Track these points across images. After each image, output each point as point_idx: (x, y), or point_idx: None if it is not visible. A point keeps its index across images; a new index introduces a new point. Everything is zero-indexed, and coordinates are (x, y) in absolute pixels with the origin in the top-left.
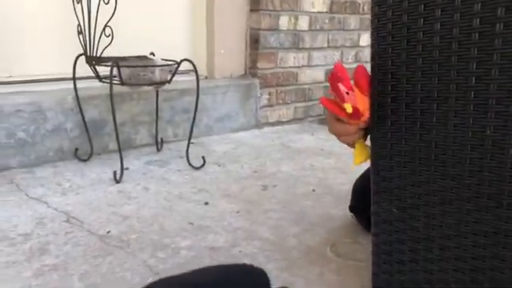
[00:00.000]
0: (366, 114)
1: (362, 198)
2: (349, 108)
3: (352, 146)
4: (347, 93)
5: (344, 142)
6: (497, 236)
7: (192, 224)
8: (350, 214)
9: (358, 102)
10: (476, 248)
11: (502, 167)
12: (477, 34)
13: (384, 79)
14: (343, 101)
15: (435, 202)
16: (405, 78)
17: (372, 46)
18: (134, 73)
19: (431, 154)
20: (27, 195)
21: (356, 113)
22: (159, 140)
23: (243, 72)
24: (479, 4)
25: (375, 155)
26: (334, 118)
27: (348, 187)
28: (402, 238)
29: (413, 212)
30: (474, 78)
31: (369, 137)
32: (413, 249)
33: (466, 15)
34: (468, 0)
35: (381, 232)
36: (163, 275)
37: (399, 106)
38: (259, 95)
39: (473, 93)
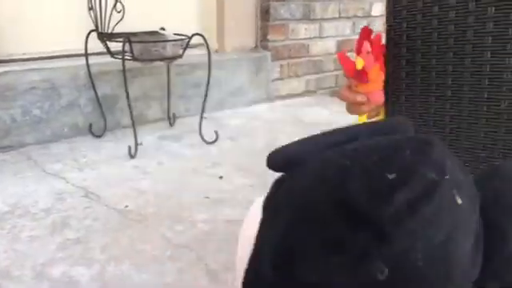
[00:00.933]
0: (378, 92)
1: None
2: (360, 63)
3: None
4: (368, 52)
5: (349, 111)
6: None
7: (208, 198)
8: None
9: (373, 70)
10: None
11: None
12: (493, 8)
13: (399, 53)
14: (359, 53)
15: None
16: (420, 52)
17: (387, 19)
18: (146, 48)
19: (446, 128)
20: (45, 171)
21: (363, 74)
22: (171, 115)
23: (254, 45)
24: None
25: None
26: (345, 86)
27: None
28: None
29: None
30: (489, 53)
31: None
32: None
33: None
34: None
35: None
36: (181, 248)
37: (414, 80)
38: (270, 68)
39: (488, 67)
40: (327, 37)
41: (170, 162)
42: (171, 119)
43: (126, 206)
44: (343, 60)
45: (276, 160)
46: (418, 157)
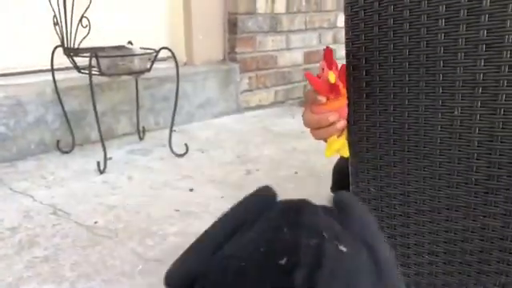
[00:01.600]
0: (343, 114)
1: (342, 178)
2: (332, 77)
3: (325, 140)
4: (336, 68)
5: (318, 137)
6: (467, 209)
7: (178, 211)
8: (331, 195)
9: (341, 88)
10: (448, 222)
11: (469, 145)
12: (443, 20)
13: (358, 65)
14: (330, 67)
15: (410, 180)
16: (377, 62)
17: (346, 32)
18: (113, 62)
19: (404, 135)
20: (11, 189)
21: (337, 88)
22: (141, 129)
23: (222, 57)
24: None
25: (352, 137)
26: (309, 109)
27: (330, 168)
28: (380, 216)
29: (389, 191)
30: (441, 62)
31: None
32: (390, 225)
33: (433, 2)
34: None
35: None
36: (152, 262)
37: (373, 89)
38: (239, 80)
39: (441, 76)
40: (294, 48)
41: (139, 175)
42: (141, 133)
43: (96, 222)
44: (312, 79)
45: (176, 281)
46: (296, 230)
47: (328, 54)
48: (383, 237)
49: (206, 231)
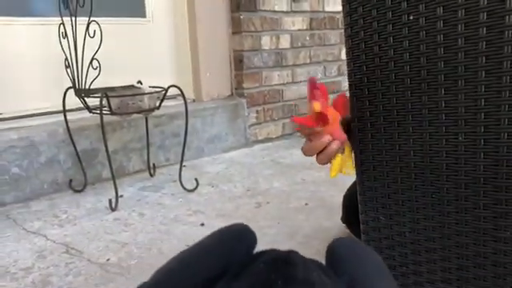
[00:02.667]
0: (337, 135)
1: (352, 209)
2: (317, 106)
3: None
4: (320, 97)
5: (321, 162)
6: (477, 235)
7: (189, 245)
8: (342, 225)
9: (329, 113)
10: (459, 248)
11: (475, 170)
12: (442, 49)
13: (361, 95)
14: (313, 98)
15: (418, 207)
16: (380, 92)
17: (348, 64)
18: (123, 102)
19: (410, 162)
20: (25, 229)
21: (323, 117)
22: (151, 165)
23: (230, 93)
24: (441, 21)
25: (359, 166)
26: (307, 140)
27: (339, 198)
28: (391, 244)
29: (398, 218)
30: (443, 90)
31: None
32: (402, 253)
33: (431, 34)
34: (431, 19)
35: (370, 239)
36: None
37: (377, 119)
38: (247, 114)
39: (443, 103)
40: (300, 81)
41: (150, 212)
42: (151, 169)
43: (108, 260)
44: (299, 121)
45: None
46: (290, 285)
47: (310, 84)
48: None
49: (178, 269)
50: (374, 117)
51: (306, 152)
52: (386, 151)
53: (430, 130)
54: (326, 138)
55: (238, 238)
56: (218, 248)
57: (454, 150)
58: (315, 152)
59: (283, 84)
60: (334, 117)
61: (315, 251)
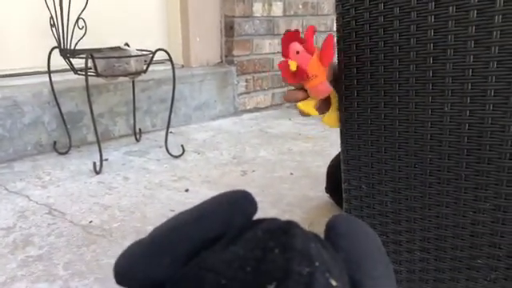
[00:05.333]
0: (321, 84)
1: (336, 179)
2: (293, 65)
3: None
4: (297, 52)
5: (305, 112)
6: (457, 205)
7: (173, 211)
8: (326, 195)
9: (311, 65)
10: (439, 218)
11: (459, 141)
12: (432, 17)
13: (350, 62)
14: (287, 57)
15: (401, 176)
16: (368, 60)
17: (337, 30)
18: (109, 64)
19: (395, 132)
20: (7, 189)
21: (300, 73)
22: (137, 130)
23: (219, 60)
24: None
25: (344, 135)
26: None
27: (324, 169)
28: (372, 213)
29: (381, 188)
30: (431, 59)
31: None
32: (382, 223)
33: (422, 0)
34: None
35: (352, 208)
36: None
37: (364, 87)
38: (236, 82)
39: (431, 72)
40: None
41: (135, 176)
42: (137, 134)
43: (91, 222)
44: (283, 67)
45: (126, 278)
46: (288, 254)
47: (286, 39)
48: (380, 270)
49: (177, 227)
50: (361, 85)
51: (286, 97)
52: (372, 120)
53: (417, 100)
54: (300, 95)
55: (238, 203)
56: (217, 210)
57: (440, 121)
58: (292, 100)
59: (274, 53)
60: (318, 68)
61: (298, 219)
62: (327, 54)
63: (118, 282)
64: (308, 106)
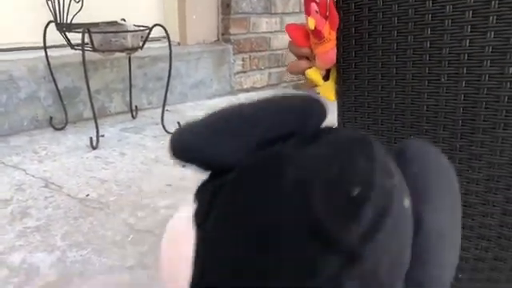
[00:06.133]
0: (332, 50)
1: None
2: (311, 23)
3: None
4: (316, 12)
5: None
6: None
7: (170, 185)
8: None
9: (325, 28)
10: None
11: (454, 112)
12: None
13: (348, 34)
14: (309, 14)
15: None
16: (367, 32)
17: (336, 2)
18: (106, 39)
19: (391, 103)
20: (3, 163)
21: (316, 34)
22: (134, 107)
23: (216, 38)
24: None
25: (341, 107)
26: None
27: None
28: None
29: None
30: (429, 29)
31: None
32: None
33: None
34: None
35: None
36: (143, 232)
37: (362, 59)
38: (233, 61)
39: (428, 43)
40: None
41: (132, 152)
42: (133, 112)
43: (87, 195)
44: (293, 29)
45: (188, 154)
46: (371, 164)
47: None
48: (446, 202)
49: (252, 114)
50: (359, 57)
51: (290, 68)
52: (368, 92)
53: (414, 71)
54: (305, 65)
55: (313, 105)
56: (294, 107)
57: (436, 92)
58: (296, 71)
59: (271, 32)
60: (329, 34)
61: None
62: (334, 17)
63: (177, 155)
64: (317, 74)
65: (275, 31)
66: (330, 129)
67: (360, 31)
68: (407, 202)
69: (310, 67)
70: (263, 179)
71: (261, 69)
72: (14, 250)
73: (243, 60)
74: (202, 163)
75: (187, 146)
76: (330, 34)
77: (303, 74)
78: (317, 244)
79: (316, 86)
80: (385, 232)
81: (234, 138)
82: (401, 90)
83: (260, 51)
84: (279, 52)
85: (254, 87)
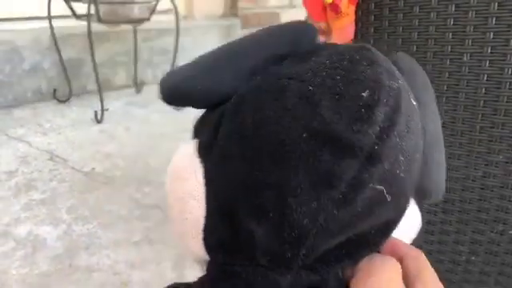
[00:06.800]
0: (351, 25)
1: None
2: None
3: None
4: None
5: None
6: (469, 158)
7: None
8: None
9: (343, 2)
10: (450, 171)
11: (476, 92)
12: None
13: (367, 9)
14: None
15: None
16: (387, 7)
17: None
18: (112, 9)
19: None
20: (7, 135)
21: (334, 8)
22: (138, 81)
23: (223, 11)
24: None
25: None
26: None
27: None
28: None
29: None
30: (453, 6)
31: None
32: None
33: None
34: None
35: None
36: (149, 208)
37: (381, 35)
38: (240, 36)
39: (452, 20)
40: (298, 6)
41: (137, 127)
42: (138, 86)
43: (93, 169)
44: (310, 2)
45: (179, 94)
46: (376, 67)
47: None
48: (433, 102)
49: (238, 44)
50: (378, 33)
51: None
52: None
53: (435, 49)
54: (323, 26)
55: (303, 27)
56: (283, 32)
57: (457, 71)
58: None
59: (280, 7)
60: (347, 8)
61: None
62: None
63: (168, 99)
64: None
65: (284, 6)
66: (325, 44)
67: (380, 6)
68: (414, 101)
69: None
70: (266, 97)
71: None
72: (20, 222)
73: None
74: (195, 100)
75: (179, 85)
76: (349, 8)
77: None
78: (332, 151)
79: None
80: (398, 130)
81: (226, 68)
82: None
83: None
84: None
85: None
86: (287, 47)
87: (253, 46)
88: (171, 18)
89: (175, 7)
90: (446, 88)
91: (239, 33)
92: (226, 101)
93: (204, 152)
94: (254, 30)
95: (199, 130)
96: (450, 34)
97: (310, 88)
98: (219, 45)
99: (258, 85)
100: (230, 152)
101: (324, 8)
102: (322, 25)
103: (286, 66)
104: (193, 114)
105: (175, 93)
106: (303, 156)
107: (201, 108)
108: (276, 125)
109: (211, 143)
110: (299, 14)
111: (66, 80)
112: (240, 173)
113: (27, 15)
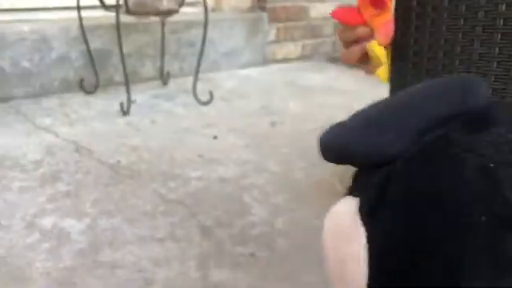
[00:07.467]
0: (390, 31)
1: None
2: None
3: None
4: None
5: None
6: None
7: (201, 156)
8: None
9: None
10: None
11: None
12: None
13: (409, 6)
14: None
15: None
16: (431, 4)
17: None
18: (141, 1)
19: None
20: (35, 125)
21: (380, 2)
22: (165, 74)
23: (251, 4)
24: None
25: (394, 88)
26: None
27: None
28: None
29: None
30: (504, 5)
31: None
32: None
33: None
34: None
35: None
36: (174, 203)
37: (423, 34)
38: (267, 30)
39: (502, 20)
40: (328, 1)
41: (163, 120)
42: (165, 78)
43: (118, 161)
44: (341, 13)
45: (344, 152)
46: None
47: None
48: None
49: (402, 103)
50: (420, 32)
51: (344, 58)
52: (427, 71)
53: (481, 51)
54: (357, 52)
55: (470, 84)
56: (448, 89)
57: (506, 74)
58: (351, 61)
59: (310, 1)
60: (389, 3)
61: (328, 173)
62: None
63: (332, 159)
64: (381, 49)
65: (314, 0)
66: (497, 104)
67: (422, 3)
68: None
69: (361, 55)
70: (441, 168)
71: (295, 39)
72: (46, 214)
73: (277, 29)
74: (359, 160)
75: (341, 144)
76: (390, 3)
77: (358, 61)
78: None
79: (377, 65)
80: None
81: (391, 128)
82: (465, 70)
83: (296, 21)
84: (316, 23)
85: (287, 58)
86: (454, 106)
87: (418, 104)
88: (199, 9)
89: (204, 0)
90: None
91: (266, 26)
92: (387, 161)
93: (367, 214)
94: (281, 24)
95: (357, 187)
96: (499, 34)
97: (491, 165)
98: (245, 37)
99: (429, 153)
100: (401, 221)
101: (357, 13)
102: (362, 29)
103: (456, 131)
104: (217, 110)
105: (343, 154)
106: (483, 235)
107: (358, 167)
108: (453, 198)
109: (376, 207)
110: (328, 9)
111: (93, 71)
112: (408, 242)
113: (56, 5)
